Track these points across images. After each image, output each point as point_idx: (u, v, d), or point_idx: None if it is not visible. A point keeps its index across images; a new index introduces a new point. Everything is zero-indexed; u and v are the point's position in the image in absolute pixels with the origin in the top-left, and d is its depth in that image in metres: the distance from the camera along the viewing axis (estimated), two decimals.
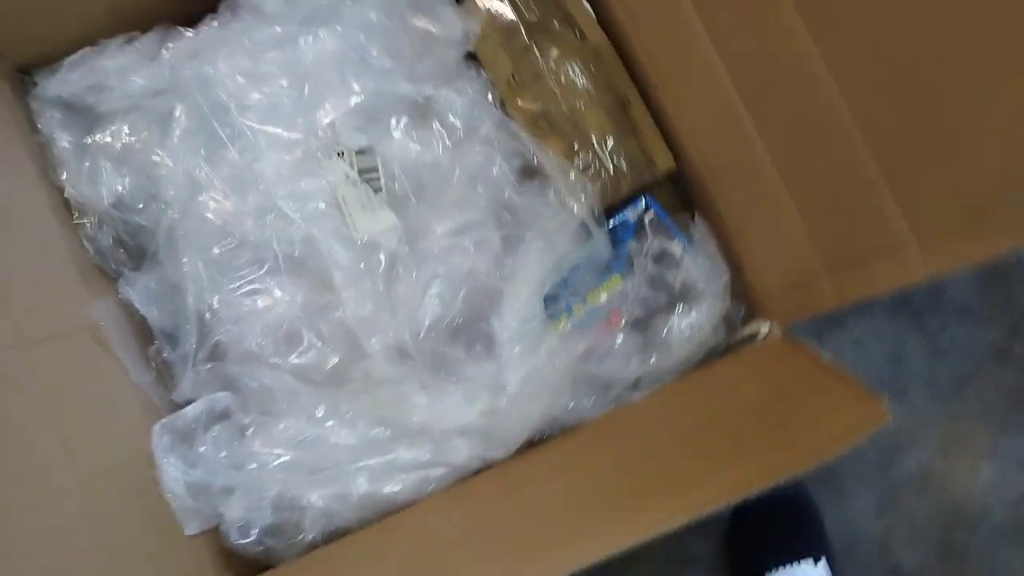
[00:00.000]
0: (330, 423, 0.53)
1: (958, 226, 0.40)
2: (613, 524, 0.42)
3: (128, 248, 0.53)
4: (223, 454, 0.52)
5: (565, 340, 0.54)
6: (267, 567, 0.52)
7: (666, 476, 0.45)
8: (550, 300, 0.55)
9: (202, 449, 0.52)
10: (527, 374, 0.53)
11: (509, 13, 0.54)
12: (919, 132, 0.39)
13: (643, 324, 0.56)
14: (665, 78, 0.53)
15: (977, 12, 0.33)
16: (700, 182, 0.55)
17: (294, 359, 0.53)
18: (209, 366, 0.53)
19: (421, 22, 0.52)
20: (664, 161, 0.55)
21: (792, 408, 0.46)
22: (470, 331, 0.54)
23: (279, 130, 0.51)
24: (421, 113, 0.53)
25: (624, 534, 0.39)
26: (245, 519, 0.51)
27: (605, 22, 0.56)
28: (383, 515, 0.53)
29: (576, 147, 0.54)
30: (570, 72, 0.54)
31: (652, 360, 0.54)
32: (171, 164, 0.51)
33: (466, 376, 0.53)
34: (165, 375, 0.52)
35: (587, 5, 0.55)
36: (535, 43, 0.54)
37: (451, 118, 0.53)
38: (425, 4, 0.52)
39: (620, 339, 0.54)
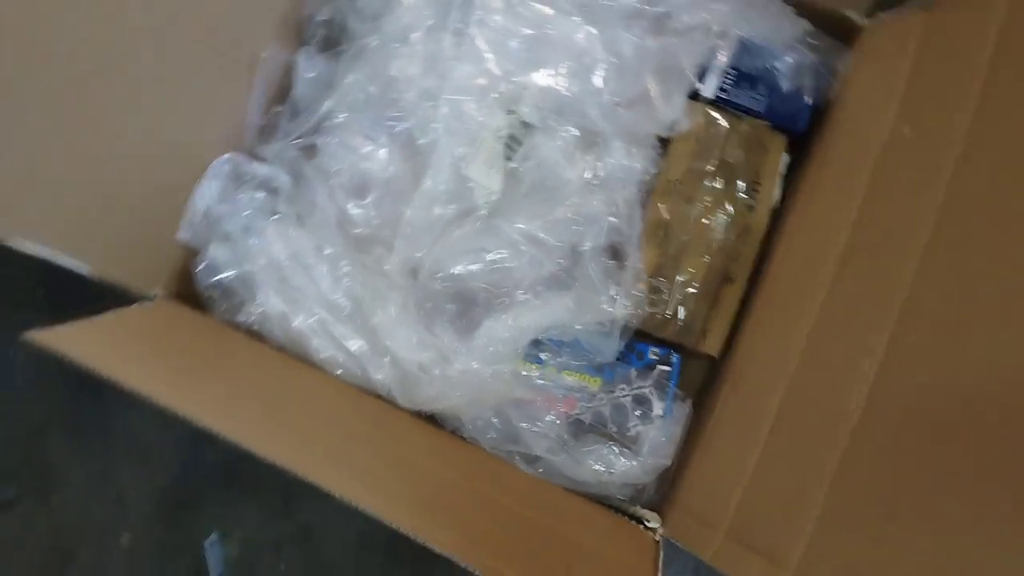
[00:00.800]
0: (324, 265, 0.59)
1: None
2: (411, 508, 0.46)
3: (328, 32, 0.60)
4: (247, 213, 0.59)
5: (516, 378, 0.57)
6: (196, 308, 0.59)
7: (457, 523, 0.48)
8: (535, 345, 0.58)
9: (240, 196, 0.59)
10: (469, 373, 0.57)
11: (718, 141, 0.57)
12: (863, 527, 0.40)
13: (579, 429, 0.58)
14: (770, 294, 0.55)
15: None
16: (719, 386, 0.56)
17: (348, 204, 0.60)
18: (297, 153, 0.60)
19: (652, 84, 0.55)
20: (712, 346, 0.57)
21: None
22: (466, 306, 0.59)
23: (489, 55, 0.56)
24: (589, 141, 0.57)
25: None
26: (218, 265, 0.59)
27: (778, 212, 0.57)
28: (296, 356, 0.59)
29: (662, 271, 0.56)
30: (715, 221, 0.56)
31: (559, 459, 0.57)
32: (406, 7, 0.57)
33: (432, 330, 0.58)
34: (267, 132, 0.60)
35: (778, 190, 0.56)
36: (714, 177, 0.56)
37: (604, 164, 0.56)
38: (668, 78, 0.55)
39: (551, 419, 0.58)
